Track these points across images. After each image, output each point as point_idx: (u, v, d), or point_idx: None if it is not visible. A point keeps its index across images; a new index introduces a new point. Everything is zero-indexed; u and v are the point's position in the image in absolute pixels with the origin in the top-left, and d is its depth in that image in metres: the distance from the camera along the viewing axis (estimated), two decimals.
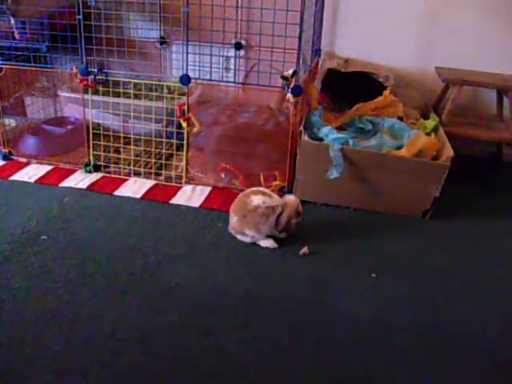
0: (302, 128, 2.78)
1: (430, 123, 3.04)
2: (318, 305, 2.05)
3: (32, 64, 3.11)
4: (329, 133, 2.77)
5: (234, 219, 2.42)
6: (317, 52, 3.50)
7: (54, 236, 2.38)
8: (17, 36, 3.25)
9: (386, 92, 3.21)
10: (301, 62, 2.66)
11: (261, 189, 2.46)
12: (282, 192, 2.82)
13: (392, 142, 2.81)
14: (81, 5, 2.70)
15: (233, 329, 1.89)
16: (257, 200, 2.38)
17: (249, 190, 2.46)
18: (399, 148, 2.76)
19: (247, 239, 2.42)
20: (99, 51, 2.89)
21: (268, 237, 2.43)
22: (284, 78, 2.81)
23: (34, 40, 3.27)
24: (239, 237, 2.44)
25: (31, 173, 2.98)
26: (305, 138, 2.73)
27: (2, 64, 3.02)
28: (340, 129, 3.01)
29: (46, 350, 1.73)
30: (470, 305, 2.12)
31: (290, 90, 2.67)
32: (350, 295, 2.12)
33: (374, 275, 2.25)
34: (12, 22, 3.18)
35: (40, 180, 2.90)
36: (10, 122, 3.41)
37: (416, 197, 2.71)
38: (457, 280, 2.28)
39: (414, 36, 3.54)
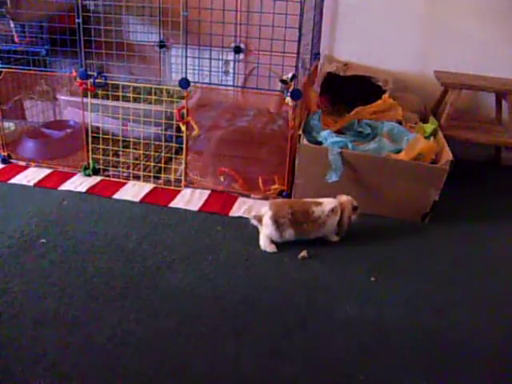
0: (300, 132, 2.78)
1: (429, 127, 3.05)
2: (317, 308, 2.05)
3: (31, 67, 3.11)
4: (328, 136, 2.78)
5: (288, 211, 2.37)
6: (316, 56, 3.51)
7: (53, 239, 2.38)
8: (16, 39, 3.25)
9: (385, 96, 3.21)
10: (300, 65, 2.66)
11: (315, 200, 2.47)
12: (281, 196, 2.82)
13: (391, 146, 2.81)
14: (80, 8, 2.71)
15: (232, 332, 1.89)
16: (318, 211, 2.40)
17: (307, 199, 2.48)
18: (398, 152, 2.76)
19: (269, 232, 2.40)
20: (98, 55, 2.90)
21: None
22: (283, 81, 2.81)
23: (33, 43, 3.27)
24: (256, 223, 2.44)
25: (30, 176, 2.98)
26: (304, 141, 2.73)
27: (2, 67, 3.02)
28: (339, 132, 3.02)
29: (45, 354, 1.73)
30: (470, 308, 2.12)
31: (289, 94, 2.67)
32: (349, 298, 2.12)
33: (373, 278, 2.25)
34: (11, 25, 3.18)
35: (39, 183, 2.90)
36: (10, 125, 3.41)
37: (415, 200, 2.71)
38: (456, 283, 2.28)
39: (413, 40, 3.55)
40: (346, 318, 2.01)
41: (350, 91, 3.47)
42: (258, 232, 2.45)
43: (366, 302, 2.11)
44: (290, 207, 2.40)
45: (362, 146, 2.80)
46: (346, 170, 2.65)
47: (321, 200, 2.47)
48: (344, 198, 2.50)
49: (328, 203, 2.45)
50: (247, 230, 2.55)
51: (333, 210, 2.42)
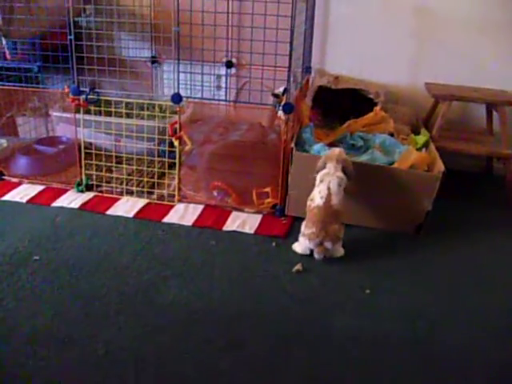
0: (293, 145, 2.79)
1: (421, 138, 3.06)
2: (313, 321, 2.05)
3: (23, 84, 3.12)
4: (320, 150, 2.79)
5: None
6: (307, 69, 3.53)
7: (46, 256, 2.37)
8: (8, 56, 3.25)
9: (377, 108, 3.23)
10: (291, 79, 2.68)
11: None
12: (274, 209, 2.82)
13: (383, 158, 2.82)
14: (72, 25, 2.72)
15: (227, 347, 1.88)
16: (316, 200, 2.45)
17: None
18: (391, 164, 2.77)
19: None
20: (91, 71, 2.90)
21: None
22: (275, 95, 2.82)
23: (25, 60, 3.27)
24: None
25: (23, 193, 2.97)
26: (296, 154, 2.73)
27: None
28: (331, 145, 3.02)
29: (38, 372, 1.71)
30: (465, 319, 2.12)
31: (281, 108, 2.68)
32: (343, 311, 2.12)
33: (367, 291, 2.25)
34: (3, 42, 3.19)
35: (32, 200, 2.89)
36: (2, 141, 3.40)
37: (409, 211, 2.71)
38: (451, 294, 2.28)
39: (404, 52, 3.58)
40: (342, 330, 2.00)
41: (341, 104, 3.48)
42: (250, 246, 2.45)
43: (361, 314, 2.11)
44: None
45: (354, 159, 2.80)
46: None
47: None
48: (328, 153, 2.59)
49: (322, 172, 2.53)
50: (241, 244, 2.55)
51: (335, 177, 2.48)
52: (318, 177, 2.53)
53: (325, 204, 2.43)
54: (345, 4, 3.56)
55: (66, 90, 2.85)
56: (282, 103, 2.68)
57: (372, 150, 2.91)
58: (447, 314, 2.15)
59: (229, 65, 3.64)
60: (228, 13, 3.10)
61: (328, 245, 2.41)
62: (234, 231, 2.68)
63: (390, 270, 2.44)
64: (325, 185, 2.47)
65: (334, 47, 3.68)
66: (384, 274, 2.40)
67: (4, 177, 3.13)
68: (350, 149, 3.03)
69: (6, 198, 2.91)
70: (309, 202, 2.51)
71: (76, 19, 3.21)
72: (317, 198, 2.46)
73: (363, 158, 2.80)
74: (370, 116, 3.21)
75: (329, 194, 2.44)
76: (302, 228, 2.49)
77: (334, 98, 3.46)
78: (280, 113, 2.71)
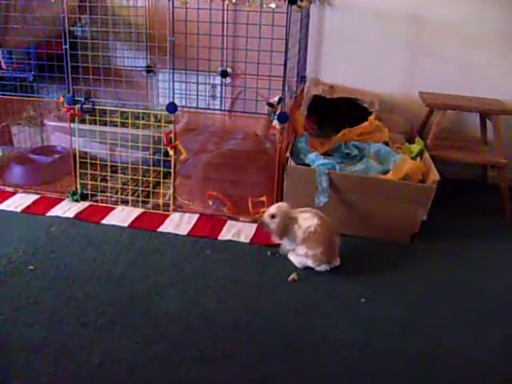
0: (288, 154, 2.79)
1: (416, 147, 3.07)
2: (308, 331, 2.04)
3: (19, 93, 3.12)
4: (315, 159, 2.79)
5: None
6: (302, 79, 3.54)
7: (41, 266, 2.36)
8: (3, 65, 3.26)
9: (371, 117, 3.24)
10: (286, 88, 2.69)
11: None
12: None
13: (378, 167, 2.83)
14: (67, 34, 2.72)
15: (223, 357, 1.87)
16: (313, 222, 2.41)
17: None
18: (385, 173, 2.78)
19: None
20: (86, 80, 2.91)
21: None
22: (270, 105, 2.83)
23: (20, 69, 3.28)
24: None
25: (18, 202, 2.96)
26: (291, 164, 2.74)
27: None
28: (326, 155, 3.04)
29: (33, 382, 1.70)
30: (460, 328, 2.12)
31: (276, 117, 2.69)
32: (339, 320, 2.12)
33: (363, 300, 2.25)
34: None
35: (27, 209, 2.89)
36: None
37: (404, 221, 2.71)
38: (446, 303, 2.28)
39: (398, 62, 3.59)
40: (337, 340, 2.00)
41: (336, 113, 3.49)
42: (245, 255, 2.44)
43: (356, 323, 2.11)
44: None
45: (349, 168, 2.82)
46: (334, 191, 2.66)
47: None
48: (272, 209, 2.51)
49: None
50: (236, 253, 2.55)
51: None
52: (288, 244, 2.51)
53: (321, 220, 2.41)
54: (339, 14, 3.58)
55: (61, 100, 2.85)
56: (277, 112, 2.69)
57: (367, 158, 2.92)
58: (442, 322, 2.15)
59: (224, 74, 3.65)
60: (223, 22, 3.11)
61: (335, 262, 2.43)
62: (229, 240, 2.67)
63: (384, 279, 2.44)
64: (305, 213, 2.46)
65: (329, 57, 3.69)
66: (379, 283, 2.40)
67: None
68: (344, 158, 3.04)
69: (1, 207, 2.90)
70: (307, 232, 2.41)
71: (71, 29, 3.22)
72: (310, 221, 2.42)
73: (358, 167, 2.81)
74: (365, 125, 3.22)
75: (317, 213, 2.45)
76: (303, 251, 2.42)
77: (328, 108, 3.47)
78: (275, 122, 2.72)
